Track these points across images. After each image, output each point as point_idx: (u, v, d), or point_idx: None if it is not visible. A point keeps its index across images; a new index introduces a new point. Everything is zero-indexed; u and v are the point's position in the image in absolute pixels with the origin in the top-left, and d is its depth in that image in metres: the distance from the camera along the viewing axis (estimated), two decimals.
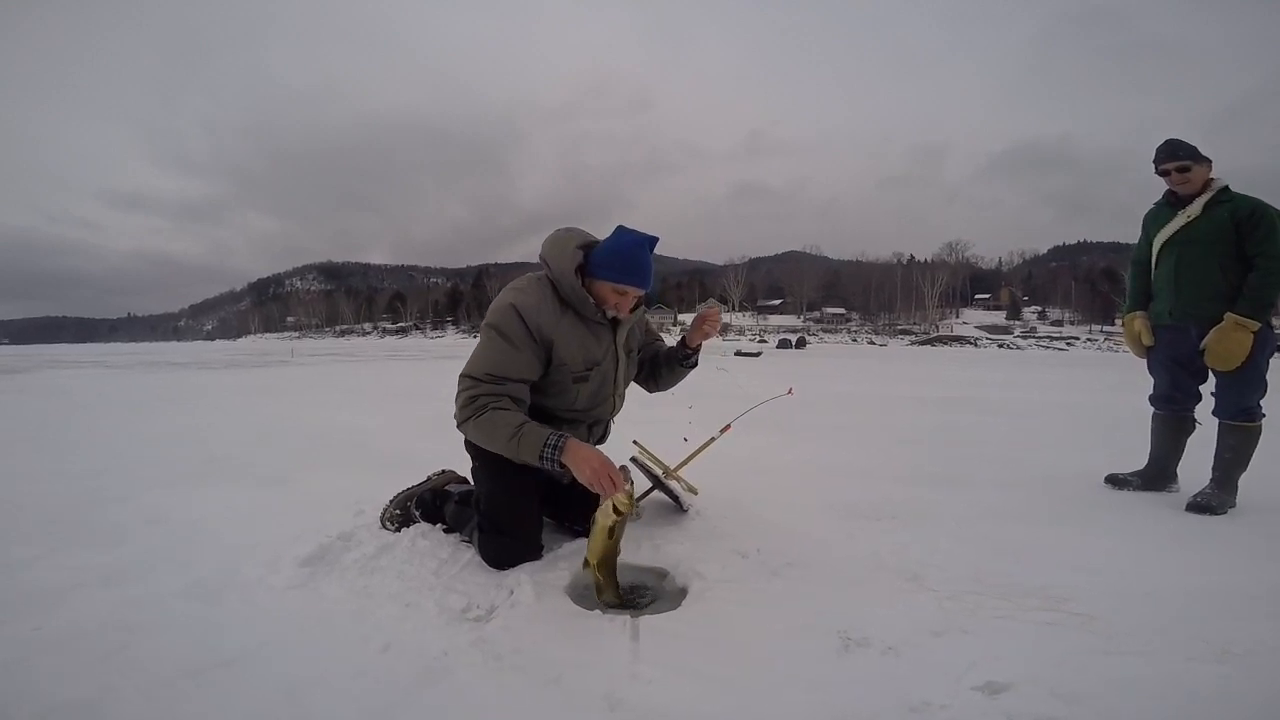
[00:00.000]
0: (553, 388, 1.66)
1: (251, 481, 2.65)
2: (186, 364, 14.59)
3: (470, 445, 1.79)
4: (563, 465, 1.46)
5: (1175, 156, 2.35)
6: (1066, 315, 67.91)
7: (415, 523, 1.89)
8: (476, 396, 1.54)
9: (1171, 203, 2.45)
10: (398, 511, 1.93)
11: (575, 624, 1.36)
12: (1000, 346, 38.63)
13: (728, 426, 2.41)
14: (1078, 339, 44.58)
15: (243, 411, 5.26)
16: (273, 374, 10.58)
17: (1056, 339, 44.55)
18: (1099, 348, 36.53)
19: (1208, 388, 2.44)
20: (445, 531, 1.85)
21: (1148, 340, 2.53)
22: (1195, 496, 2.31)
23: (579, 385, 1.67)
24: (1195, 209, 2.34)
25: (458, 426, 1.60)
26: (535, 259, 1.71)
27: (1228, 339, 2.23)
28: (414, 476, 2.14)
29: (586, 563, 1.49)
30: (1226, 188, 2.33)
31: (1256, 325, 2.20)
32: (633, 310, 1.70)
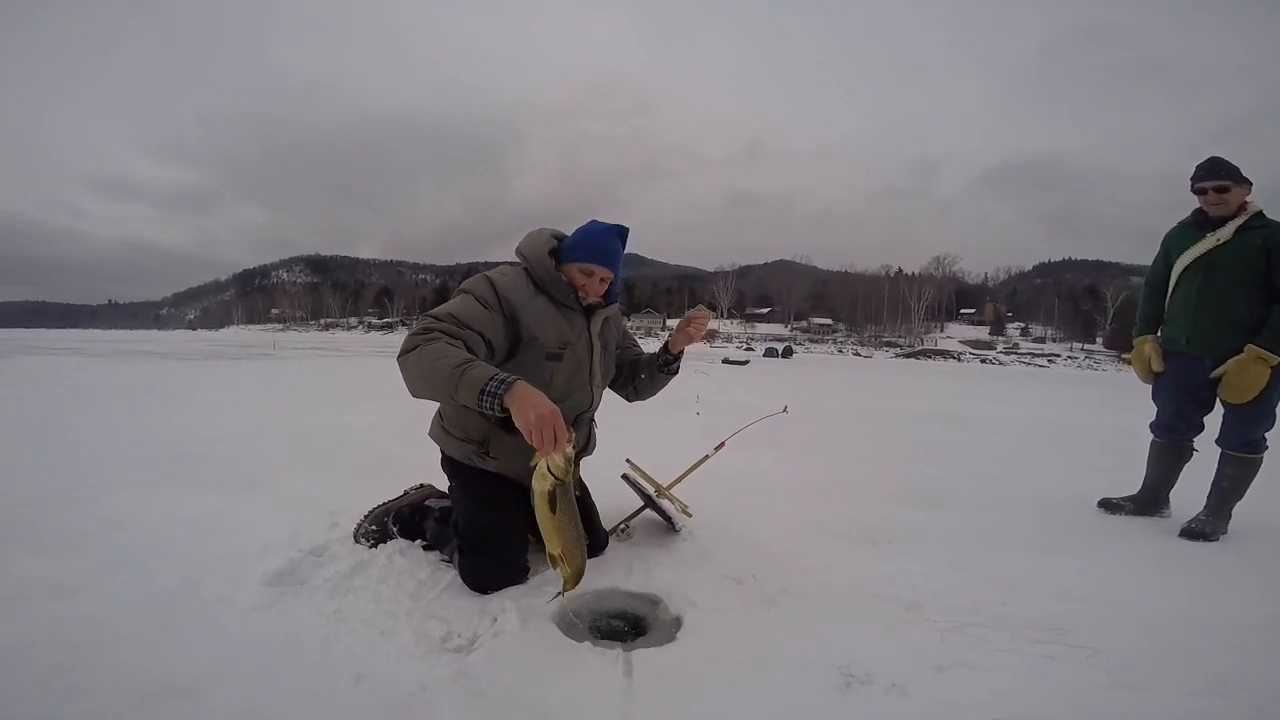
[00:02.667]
0: (524, 367, 1.56)
1: (221, 484, 2.52)
2: (164, 354, 14.24)
3: (447, 463, 1.71)
4: (504, 409, 1.27)
5: (1216, 175, 2.25)
6: (1049, 332, 69.01)
7: (392, 539, 1.79)
8: (431, 329, 1.42)
9: (1199, 224, 2.34)
10: (374, 527, 1.82)
11: (563, 656, 1.28)
12: (983, 362, 39.16)
13: (721, 444, 2.35)
14: (1059, 356, 45.31)
15: (217, 408, 5.08)
16: (252, 368, 10.33)
17: (1039, 356, 45.25)
18: (1079, 365, 37.25)
19: (1210, 417, 2.40)
20: (425, 548, 1.76)
21: (1158, 366, 2.45)
22: (1190, 523, 2.29)
23: (552, 364, 1.60)
24: (1226, 232, 2.24)
25: (398, 359, 1.41)
26: None
27: (1246, 372, 2.16)
28: (394, 481, 2.04)
29: (552, 560, 1.32)
30: (1261, 213, 2.24)
31: (1277, 359, 2.12)
32: (606, 300, 1.72)
